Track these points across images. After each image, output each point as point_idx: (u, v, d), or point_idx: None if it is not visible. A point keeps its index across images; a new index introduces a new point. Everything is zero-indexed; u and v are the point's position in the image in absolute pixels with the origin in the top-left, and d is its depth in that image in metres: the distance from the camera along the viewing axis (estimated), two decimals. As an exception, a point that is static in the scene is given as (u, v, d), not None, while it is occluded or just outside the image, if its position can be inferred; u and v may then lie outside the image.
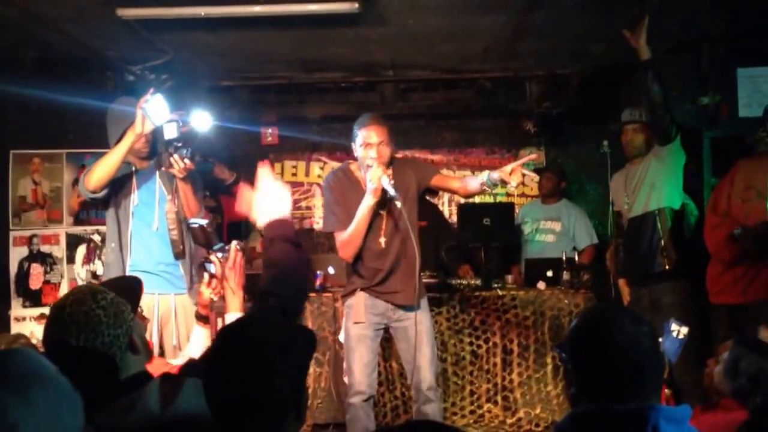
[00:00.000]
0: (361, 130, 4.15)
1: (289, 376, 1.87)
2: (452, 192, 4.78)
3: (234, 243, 3.18)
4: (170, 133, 4.17)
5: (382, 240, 4.19)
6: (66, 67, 5.60)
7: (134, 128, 4.12)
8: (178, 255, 4.36)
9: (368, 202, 4.05)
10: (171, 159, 4.17)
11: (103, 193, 4.26)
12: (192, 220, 3.54)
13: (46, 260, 6.39)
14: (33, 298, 6.33)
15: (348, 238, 4.18)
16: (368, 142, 4.11)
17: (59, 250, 6.41)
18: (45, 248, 6.39)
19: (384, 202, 4.14)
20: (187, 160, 4.18)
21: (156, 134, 4.24)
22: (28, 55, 5.46)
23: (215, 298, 3.21)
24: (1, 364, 1.32)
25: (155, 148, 4.38)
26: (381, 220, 4.20)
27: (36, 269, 6.36)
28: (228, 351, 1.90)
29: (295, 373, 1.90)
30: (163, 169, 4.30)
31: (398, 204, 4.04)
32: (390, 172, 4.13)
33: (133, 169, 4.38)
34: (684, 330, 3.32)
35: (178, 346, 4.29)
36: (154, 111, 4.11)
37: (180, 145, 4.18)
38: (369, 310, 4.28)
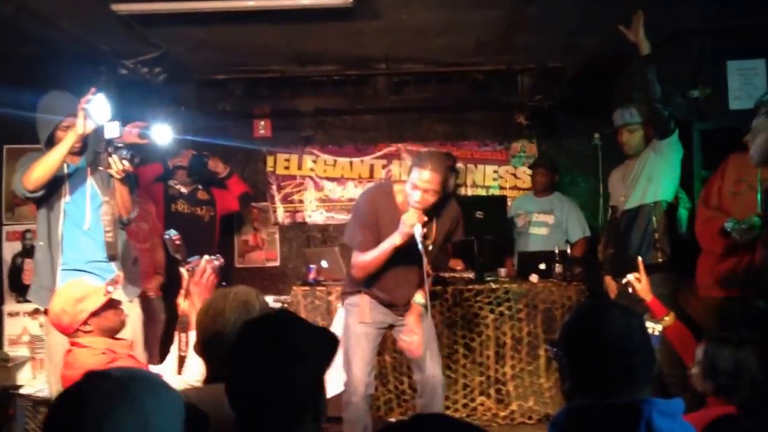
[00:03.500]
0: (415, 169, 4.01)
1: (309, 374, 1.90)
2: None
3: (205, 258, 3.19)
4: (111, 132, 4.10)
5: (400, 271, 4.20)
6: (59, 62, 5.55)
7: (75, 128, 4.07)
8: (113, 257, 4.35)
9: (395, 241, 4.02)
10: (110, 159, 4.11)
11: (40, 193, 4.21)
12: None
13: (39, 255, 6.36)
14: (26, 294, 6.30)
15: (366, 263, 4.19)
16: (416, 184, 3.98)
17: (52, 245, 6.38)
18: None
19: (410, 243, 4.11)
20: (126, 162, 4.13)
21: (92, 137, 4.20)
22: (22, 50, 5.43)
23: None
24: (142, 374, 1.67)
25: (86, 144, 4.33)
26: (402, 255, 4.13)
27: (29, 264, 6.30)
28: (250, 344, 1.94)
29: (315, 372, 1.93)
30: (101, 168, 4.24)
31: (425, 247, 4.05)
32: (426, 219, 4.05)
33: (65, 166, 4.29)
34: (658, 327, 3.31)
35: None
36: (96, 111, 4.05)
37: (120, 146, 4.12)
38: (374, 308, 4.33)
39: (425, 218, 4.01)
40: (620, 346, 2.04)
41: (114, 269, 4.33)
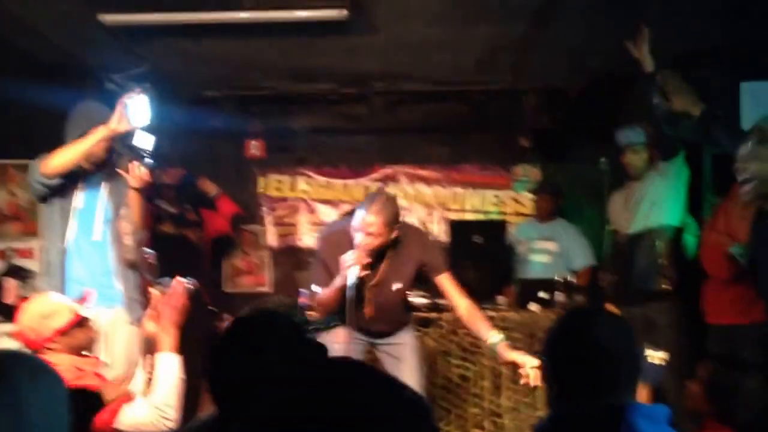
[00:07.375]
0: (361, 211, 3.91)
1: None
2: (449, 304, 4.45)
3: (177, 279, 3.10)
4: (143, 142, 4.01)
5: (368, 309, 4.11)
6: (45, 75, 5.45)
7: (109, 123, 3.95)
8: (132, 264, 4.23)
9: (337, 282, 3.96)
10: (131, 165, 4.01)
11: (56, 181, 4.07)
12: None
13: (21, 274, 6.21)
14: (7, 313, 6.12)
15: (321, 302, 4.16)
16: (357, 226, 3.90)
17: (34, 264, 6.23)
18: (20, 262, 6.21)
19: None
20: (145, 171, 4.04)
21: (117, 141, 4.10)
22: (6, 62, 5.31)
23: None
24: (21, 355, 1.71)
25: (110, 158, 4.22)
26: (368, 292, 4.08)
27: (9, 283, 6.17)
28: (233, 342, 2.01)
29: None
30: (117, 170, 4.14)
31: (360, 289, 3.98)
32: (368, 261, 3.93)
33: (79, 171, 4.18)
34: (660, 354, 3.36)
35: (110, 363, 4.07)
36: (135, 111, 3.96)
37: (145, 154, 4.02)
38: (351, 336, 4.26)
39: (366, 260, 3.90)
40: (606, 352, 2.02)
41: (115, 283, 4.20)
